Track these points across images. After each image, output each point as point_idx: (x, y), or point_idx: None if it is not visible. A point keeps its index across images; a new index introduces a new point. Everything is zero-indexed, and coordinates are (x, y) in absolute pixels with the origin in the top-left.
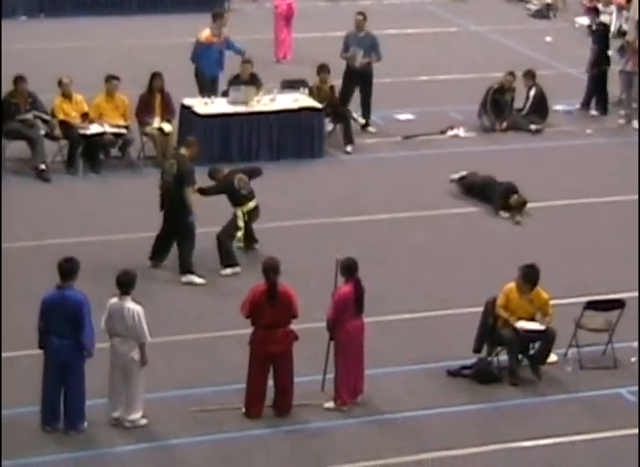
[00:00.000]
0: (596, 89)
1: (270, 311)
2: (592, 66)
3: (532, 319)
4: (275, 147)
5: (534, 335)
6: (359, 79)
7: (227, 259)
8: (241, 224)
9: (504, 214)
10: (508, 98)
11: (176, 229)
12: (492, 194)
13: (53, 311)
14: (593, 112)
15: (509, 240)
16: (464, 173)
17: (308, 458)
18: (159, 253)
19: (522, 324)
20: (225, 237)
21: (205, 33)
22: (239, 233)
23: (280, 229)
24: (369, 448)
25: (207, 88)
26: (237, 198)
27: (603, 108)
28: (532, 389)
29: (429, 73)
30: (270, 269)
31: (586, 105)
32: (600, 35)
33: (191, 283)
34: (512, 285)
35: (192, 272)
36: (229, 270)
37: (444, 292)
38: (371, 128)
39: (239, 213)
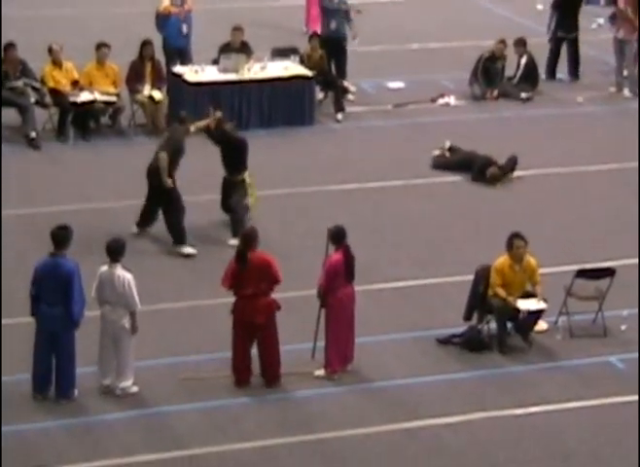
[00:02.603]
0: (557, 56)
1: (250, 280)
2: (552, 33)
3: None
4: (266, 115)
5: (537, 315)
6: (334, 46)
7: (238, 230)
8: (251, 190)
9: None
10: (499, 66)
11: (159, 196)
12: (472, 167)
13: (45, 279)
14: (560, 76)
15: (499, 209)
16: (447, 146)
17: (298, 426)
18: (144, 219)
19: (524, 305)
20: (241, 208)
21: (164, 3)
22: (251, 200)
23: (270, 197)
24: (358, 415)
25: (174, 59)
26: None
27: (574, 74)
28: (522, 357)
29: (420, 41)
30: (244, 236)
31: (550, 74)
32: (558, 0)
33: (182, 254)
34: (501, 260)
35: (183, 243)
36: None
37: (435, 260)
38: (350, 96)
39: (247, 179)
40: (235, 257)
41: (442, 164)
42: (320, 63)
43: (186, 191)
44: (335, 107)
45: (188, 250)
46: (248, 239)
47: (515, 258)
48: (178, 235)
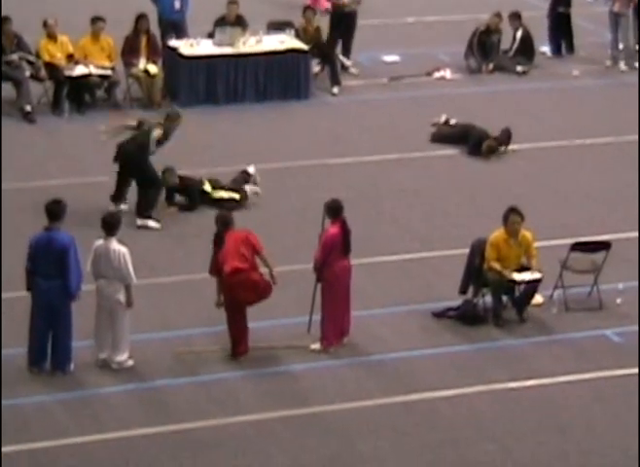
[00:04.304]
0: (559, 31)
1: (231, 257)
2: (551, 8)
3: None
4: (261, 89)
5: (534, 284)
6: (346, 21)
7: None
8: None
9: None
10: (494, 40)
11: (138, 180)
12: (468, 140)
13: (40, 253)
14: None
15: (495, 182)
16: (443, 119)
17: (295, 399)
18: (120, 195)
19: (520, 276)
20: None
21: None
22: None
23: (266, 170)
24: (354, 389)
25: (169, 32)
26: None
27: (569, 47)
28: (518, 331)
29: (416, 14)
30: (220, 219)
31: (557, 50)
32: None
33: (146, 227)
34: (497, 234)
35: (150, 217)
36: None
37: (431, 234)
38: (353, 70)
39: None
40: (213, 241)
41: (439, 137)
42: (316, 36)
43: (178, 167)
44: (330, 81)
45: (153, 224)
46: (223, 222)
47: (511, 232)
48: (150, 210)
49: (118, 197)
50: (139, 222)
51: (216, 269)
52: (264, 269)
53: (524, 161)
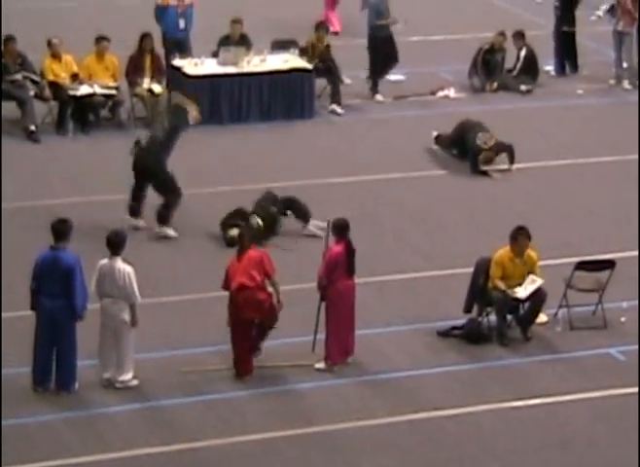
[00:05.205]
0: (563, 50)
1: (241, 273)
2: (556, 28)
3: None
4: (265, 108)
5: (536, 295)
6: (383, 46)
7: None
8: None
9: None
10: (498, 59)
11: (154, 184)
12: (465, 148)
13: (45, 272)
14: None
15: (500, 201)
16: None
17: (300, 418)
18: (137, 208)
19: (523, 293)
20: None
21: None
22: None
23: (270, 189)
24: (359, 407)
25: (173, 51)
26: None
27: (573, 66)
28: (522, 349)
29: (420, 33)
30: (247, 233)
31: (561, 70)
32: None
33: (165, 236)
34: (502, 253)
35: (167, 225)
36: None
37: (435, 252)
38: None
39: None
40: (237, 253)
41: (441, 142)
42: (325, 54)
43: (185, 184)
44: (331, 99)
45: (171, 232)
46: (252, 236)
47: (517, 252)
48: (168, 218)
49: (134, 209)
50: (157, 230)
51: (226, 283)
52: (272, 290)
53: (528, 180)
